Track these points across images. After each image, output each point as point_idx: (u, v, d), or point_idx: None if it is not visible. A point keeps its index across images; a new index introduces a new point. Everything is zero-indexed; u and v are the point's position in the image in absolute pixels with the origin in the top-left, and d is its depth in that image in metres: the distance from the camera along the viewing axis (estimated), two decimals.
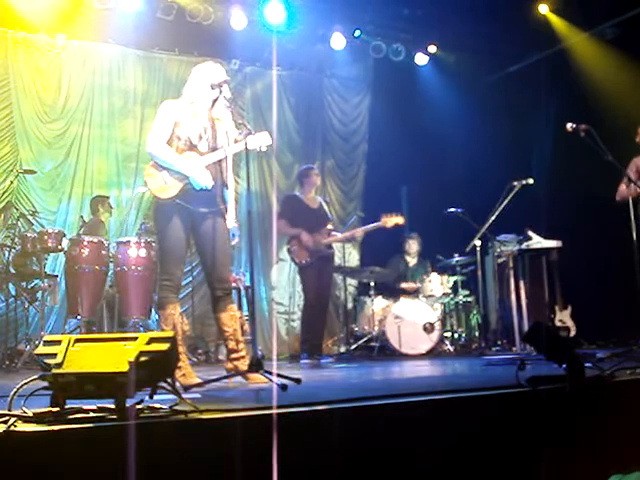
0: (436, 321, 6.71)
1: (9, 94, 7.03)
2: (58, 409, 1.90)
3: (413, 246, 7.60)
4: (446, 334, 7.11)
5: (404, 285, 7.37)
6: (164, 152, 3.75)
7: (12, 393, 1.94)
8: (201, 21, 7.25)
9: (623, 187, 5.46)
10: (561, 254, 6.99)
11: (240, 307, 6.62)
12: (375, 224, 6.37)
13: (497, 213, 6.35)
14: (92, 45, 7.45)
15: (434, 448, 2.22)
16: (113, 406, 1.91)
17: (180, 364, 3.55)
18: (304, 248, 6.16)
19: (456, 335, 7.28)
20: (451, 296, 7.24)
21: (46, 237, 5.76)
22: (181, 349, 3.67)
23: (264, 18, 7.31)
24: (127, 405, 1.90)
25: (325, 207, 6.42)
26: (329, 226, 6.31)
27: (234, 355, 3.82)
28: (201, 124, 3.85)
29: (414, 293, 7.20)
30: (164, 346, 2.00)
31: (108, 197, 6.96)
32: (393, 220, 6.32)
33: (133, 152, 7.58)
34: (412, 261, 7.62)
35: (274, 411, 2.00)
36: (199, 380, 3.54)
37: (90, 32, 7.20)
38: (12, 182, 6.74)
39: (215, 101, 3.86)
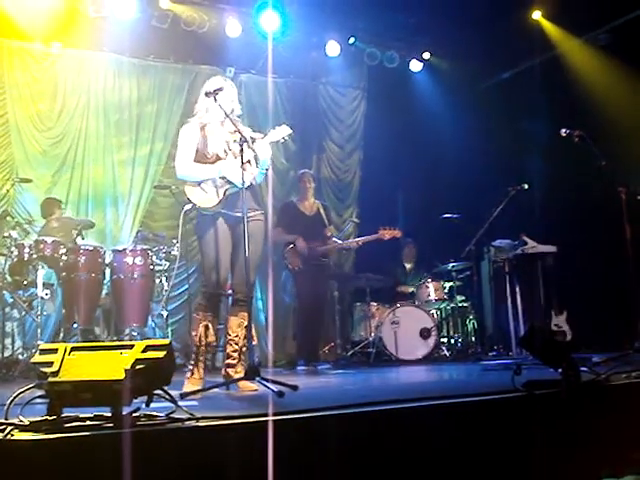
0: (432, 327, 6.71)
1: (4, 103, 7.02)
2: (55, 417, 1.90)
3: (410, 252, 7.67)
4: (442, 339, 7.11)
5: (401, 289, 7.41)
6: (192, 169, 3.83)
7: (9, 402, 1.94)
8: (196, 29, 7.27)
9: None
10: (556, 259, 7.01)
11: None
12: (373, 236, 6.41)
13: (492, 219, 6.37)
14: (87, 53, 7.44)
15: (431, 453, 2.23)
16: (110, 414, 1.91)
17: (194, 370, 3.72)
18: (298, 255, 6.17)
19: (452, 340, 7.28)
20: (447, 301, 7.24)
21: (42, 246, 5.76)
22: (200, 358, 3.75)
23: (259, 26, 7.32)
24: (124, 413, 1.90)
25: (323, 212, 6.42)
26: (329, 230, 6.33)
27: (228, 360, 3.84)
28: (223, 138, 3.92)
29: (410, 297, 7.21)
30: (160, 354, 2.00)
31: (60, 200, 6.74)
32: (391, 233, 6.39)
33: (129, 160, 7.58)
34: (410, 266, 7.67)
35: (271, 418, 2.00)
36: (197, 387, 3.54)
37: (85, 40, 7.20)
38: (8, 190, 6.72)
39: (228, 113, 3.92)
